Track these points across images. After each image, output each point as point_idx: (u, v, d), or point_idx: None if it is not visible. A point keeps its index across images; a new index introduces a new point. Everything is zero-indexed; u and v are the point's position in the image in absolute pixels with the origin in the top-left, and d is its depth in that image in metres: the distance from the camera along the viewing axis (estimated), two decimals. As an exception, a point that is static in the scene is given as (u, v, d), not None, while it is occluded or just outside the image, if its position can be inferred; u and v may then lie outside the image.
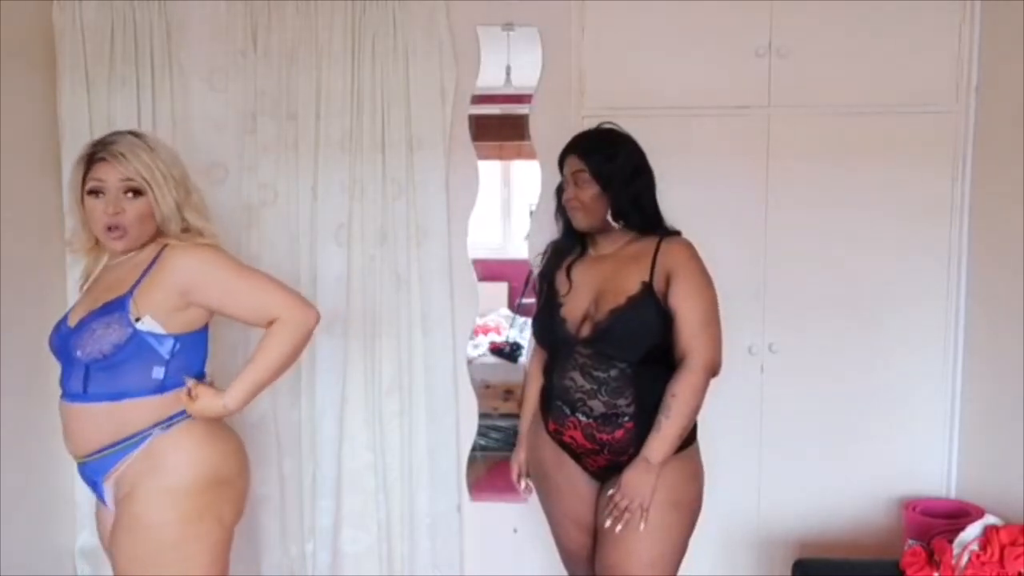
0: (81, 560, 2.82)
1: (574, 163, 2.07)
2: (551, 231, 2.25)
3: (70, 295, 2.74)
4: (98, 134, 2.66)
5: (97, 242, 1.86)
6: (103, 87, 2.69)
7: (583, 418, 2.01)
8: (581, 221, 2.08)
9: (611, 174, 2.02)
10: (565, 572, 2.27)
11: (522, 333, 4.93)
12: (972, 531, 2.17)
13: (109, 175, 1.76)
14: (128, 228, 1.78)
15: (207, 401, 1.78)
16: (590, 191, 2.04)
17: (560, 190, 2.14)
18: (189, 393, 1.78)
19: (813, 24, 2.70)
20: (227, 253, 1.85)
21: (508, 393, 4.44)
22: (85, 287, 1.95)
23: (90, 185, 1.78)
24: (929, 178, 2.72)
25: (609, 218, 2.04)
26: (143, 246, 1.83)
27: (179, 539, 1.75)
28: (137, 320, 1.73)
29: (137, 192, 1.77)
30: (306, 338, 1.82)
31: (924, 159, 2.72)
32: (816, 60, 2.70)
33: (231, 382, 1.81)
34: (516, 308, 5.46)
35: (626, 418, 1.97)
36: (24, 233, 2.59)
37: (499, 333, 5.14)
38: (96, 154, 1.78)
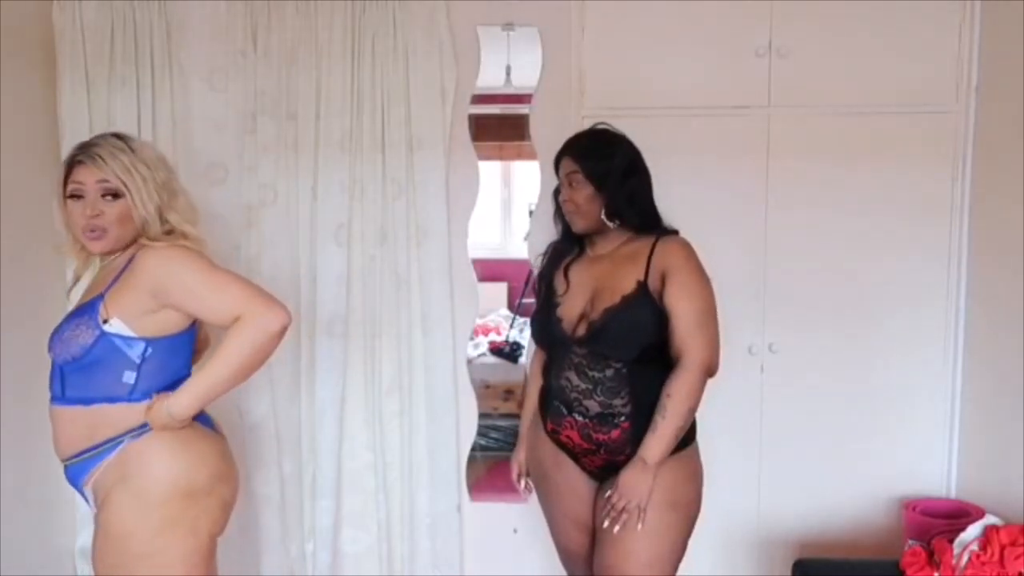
0: (81, 560, 2.82)
1: (568, 165, 2.08)
2: (551, 231, 2.25)
3: (70, 295, 2.73)
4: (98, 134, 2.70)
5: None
6: (103, 87, 2.69)
7: (579, 418, 2.01)
8: (578, 223, 2.08)
9: (605, 174, 2.02)
10: (564, 572, 2.28)
11: (522, 333, 4.93)
12: (972, 531, 2.17)
13: (87, 178, 1.76)
14: (106, 230, 1.77)
15: (155, 409, 1.73)
16: (585, 192, 2.04)
17: (557, 192, 2.15)
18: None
19: (813, 24, 2.70)
20: (200, 254, 1.80)
21: (508, 393, 4.44)
22: (78, 288, 1.95)
23: (69, 188, 1.77)
24: (929, 178, 2.72)
25: (603, 217, 2.04)
26: (125, 248, 1.82)
27: (148, 550, 1.73)
28: (105, 322, 1.72)
29: (115, 195, 1.76)
30: (270, 340, 1.72)
31: (924, 159, 2.72)
32: (816, 60, 2.71)
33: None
34: (516, 308, 5.46)
35: (622, 418, 1.97)
36: (24, 233, 2.58)
37: (499, 333, 5.14)
38: (76, 157, 1.78)
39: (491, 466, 3.88)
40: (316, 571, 2.86)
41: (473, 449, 2.90)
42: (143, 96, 2.70)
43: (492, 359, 4.75)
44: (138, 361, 1.75)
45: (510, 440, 4.14)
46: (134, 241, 1.81)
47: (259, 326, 1.71)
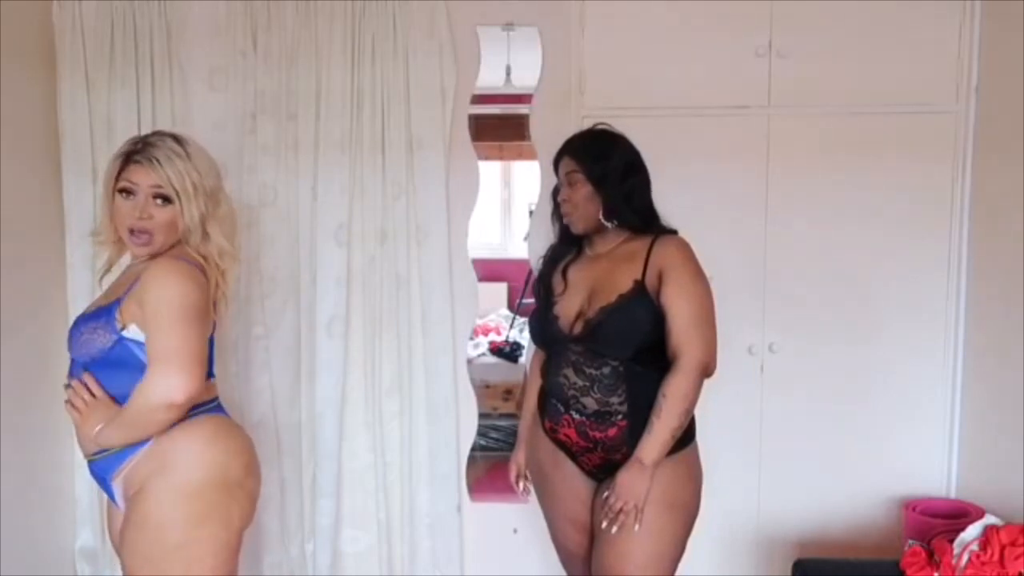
0: (81, 560, 2.83)
1: (567, 164, 2.08)
2: (551, 231, 2.25)
3: (70, 295, 2.74)
4: (98, 134, 2.70)
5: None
6: (103, 87, 2.69)
7: (576, 415, 2.01)
8: (577, 224, 2.08)
9: (604, 174, 2.03)
10: (564, 572, 2.27)
11: (522, 333, 4.93)
12: (972, 531, 2.17)
13: (141, 179, 1.76)
14: (153, 233, 1.79)
15: (91, 419, 1.74)
16: (583, 192, 2.04)
17: (556, 192, 2.15)
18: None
19: (813, 24, 2.70)
20: (194, 286, 1.75)
21: (508, 393, 4.44)
22: (103, 281, 1.95)
23: (121, 184, 1.78)
24: (929, 178, 2.72)
25: (601, 218, 2.04)
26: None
27: (184, 540, 1.74)
28: (123, 328, 1.73)
29: (166, 199, 1.78)
30: (151, 409, 1.70)
31: (924, 159, 2.72)
32: (816, 60, 2.71)
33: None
34: (516, 308, 5.46)
35: (619, 416, 1.97)
36: (24, 233, 2.59)
37: (499, 333, 5.14)
38: (134, 154, 1.77)
39: (491, 466, 3.87)
40: (316, 571, 2.86)
41: (473, 449, 2.90)
42: (143, 96, 2.70)
43: (492, 359, 4.76)
44: None
45: (510, 440, 4.14)
46: (173, 246, 1.82)
47: (145, 393, 1.70)
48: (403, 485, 2.80)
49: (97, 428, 1.74)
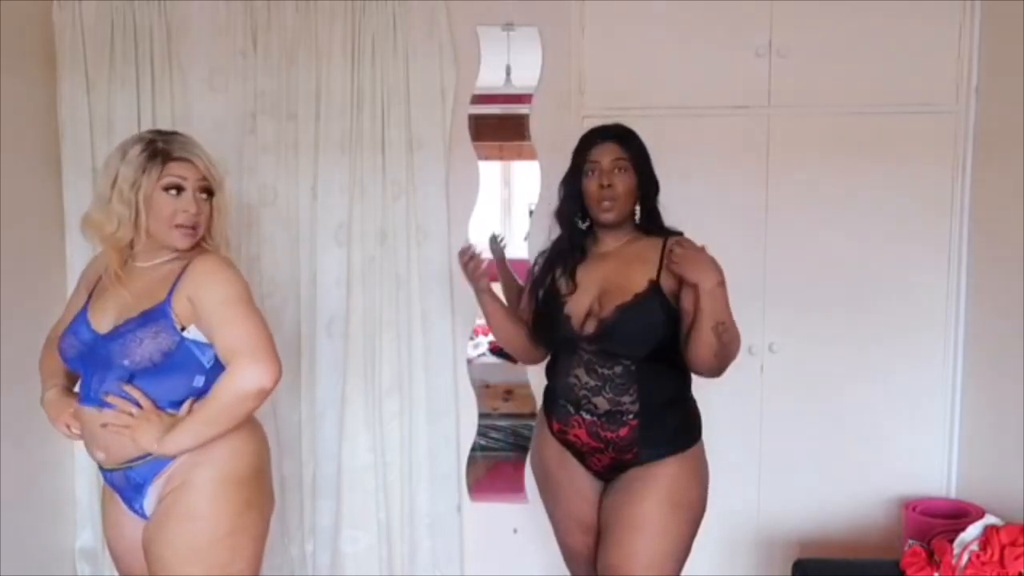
0: (81, 560, 2.83)
1: (613, 151, 2.01)
2: (551, 231, 2.23)
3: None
4: (98, 134, 2.70)
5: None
6: (103, 87, 2.70)
7: (587, 416, 2.01)
8: (611, 213, 2.01)
9: (646, 164, 2.04)
10: (566, 572, 2.27)
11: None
12: (972, 531, 2.17)
13: (190, 173, 1.76)
14: (199, 227, 1.79)
15: (147, 432, 1.71)
16: (628, 180, 2.01)
17: (567, 183, 2.08)
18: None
19: (813, 24, 2.70)
20: (243, 277, 1.79)
21: (508, 393, 4.44)
22: (98, 287, 1.86)
23: (169, 181, 1.74)
24: (929, 178, 2.73)
25: (637, 208, 2.03)
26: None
27: (231, 530, 1.75)
28: (183, 329, 1.72)
29: (209, 193, 1.79)
30: (245, 398, 1.71)
31: (924, 159, 2.72)
32: (816, 60, 2.71)
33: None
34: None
35: (630, 415, 1.96)
36: (24, 233, 2.59)
37: (499, 333, 5.13)
38: (172, 152, 1.76)
39: (491, 466, 3.88)
40: (316, 571, 2.86)
41: (473, 449, 2.90)
42: (143, 96, 2.71)
43: (492, 359, 4.74)
44: (208, 366, 1.76)
45: (510, 440, 4.16)
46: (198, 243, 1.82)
47: (236, 384, 1.70)
48: (403, 485, 2.80)
49: (156, 439, 1.70)
